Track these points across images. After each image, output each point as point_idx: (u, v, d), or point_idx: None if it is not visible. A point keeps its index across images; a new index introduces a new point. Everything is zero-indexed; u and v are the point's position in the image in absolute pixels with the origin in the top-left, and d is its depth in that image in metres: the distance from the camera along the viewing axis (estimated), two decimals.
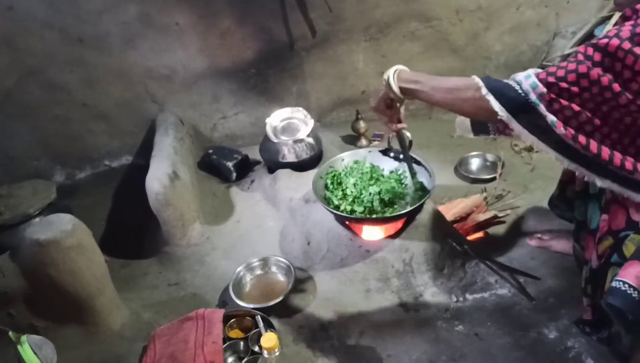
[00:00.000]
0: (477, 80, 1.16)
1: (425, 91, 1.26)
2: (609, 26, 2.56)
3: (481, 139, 2.57)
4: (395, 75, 1.30)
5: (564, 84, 1.05)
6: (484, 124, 1.53)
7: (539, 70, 1.11)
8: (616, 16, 2.56)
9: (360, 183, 1.82)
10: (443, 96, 1.23)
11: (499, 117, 1.11)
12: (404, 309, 1.65)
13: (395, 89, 1.30)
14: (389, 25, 2.58)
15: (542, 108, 1.07)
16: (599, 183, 1.13)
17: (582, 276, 1.36)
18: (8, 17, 2.13)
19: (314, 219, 1.89)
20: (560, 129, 1.07)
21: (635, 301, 1.04)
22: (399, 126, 1.48)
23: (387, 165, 1.96)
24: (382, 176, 1.88)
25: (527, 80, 1.10)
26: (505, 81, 1.14)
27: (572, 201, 1.53)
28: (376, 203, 1.75)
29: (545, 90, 1.07)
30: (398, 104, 1.41)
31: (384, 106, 1.40)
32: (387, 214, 1.73)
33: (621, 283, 1.06)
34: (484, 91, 1.13)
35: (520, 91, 1.10)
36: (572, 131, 1.07)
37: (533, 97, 1.08)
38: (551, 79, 1.06)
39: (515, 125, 1.12)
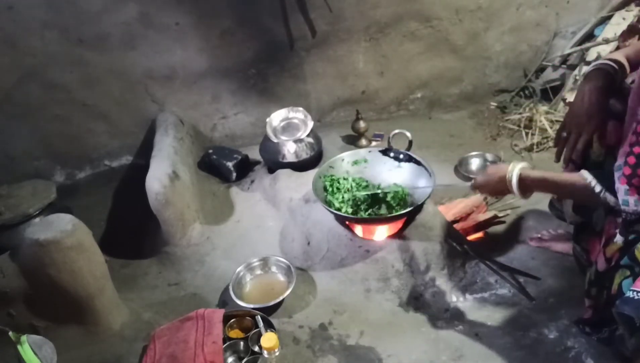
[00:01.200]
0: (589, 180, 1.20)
1: (541, 188, 1.32)
2: (609, 26, 2.56)
3: (481, 138, 2.57)
4: (516, 177, 1.31)
5: None
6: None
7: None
8: (616, 16, 2.57)
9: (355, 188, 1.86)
10: (560, 193, 1.33)
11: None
12: (404, 309, 1.65)
13: (516, 191, 1.32)
14: (389, 25, 2.58)
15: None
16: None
17: (585, 278, 1.36)
18: (8, 17, 2.13)
19: (314, 219, 1.89)
20: None
21: None
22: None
23: (387, 166, 1.96)
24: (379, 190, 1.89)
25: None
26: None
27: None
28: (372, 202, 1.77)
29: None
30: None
31: (494, 194, 1.43)
32: (387, 214, 1.74)
33: (636, 293, 1.07)
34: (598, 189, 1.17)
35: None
36: None
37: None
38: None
39: None
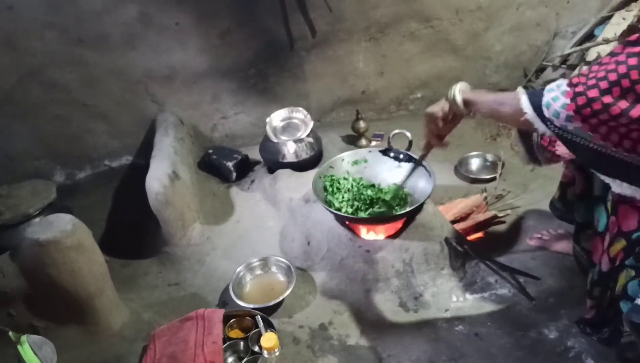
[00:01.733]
0: (519, 90, 1.20)
1: (480, 101, 1.32)
2: (609, 26, 2.56)
3: (481, 138, 2.57)
4: (459, 89, 1.35)
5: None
6: (535, 156, 1.56)
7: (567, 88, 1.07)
8: (616, 16, 2.57)
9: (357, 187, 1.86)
10: (492, 107, 1.30)
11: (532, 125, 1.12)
12: (404, 309, 1.65)
13: (459, 100, 1.34)
14: (389, 25, 2.58)
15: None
16: (615, 187, 1.14)
17: (587, 278, 1.36)
18: (8, 17, 2.13)
19: (314, 219, 1.89)
20: (585, 131, 1.05)
21: None
22: (442, 143, 1.50)
23: (387, 166, 1.96)
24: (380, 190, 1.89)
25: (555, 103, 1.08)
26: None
27: (572, 203, 1.53)
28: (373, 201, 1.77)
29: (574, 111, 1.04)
30: (456, 119, 1.44)
31: (443, 117, 1.42)
32: (387, 214, 1.73)
33: None
34: (520, 90, 1.17)
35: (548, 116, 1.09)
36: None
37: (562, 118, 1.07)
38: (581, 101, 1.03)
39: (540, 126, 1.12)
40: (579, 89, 1.02)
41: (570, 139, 1.09)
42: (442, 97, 1.41)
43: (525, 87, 1.18)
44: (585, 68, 1.06)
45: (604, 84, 0.98)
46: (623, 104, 0.96)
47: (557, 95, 1.07)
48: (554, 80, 2.74)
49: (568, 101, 1.04)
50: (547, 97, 1.09)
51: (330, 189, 1.87)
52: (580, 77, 1.04)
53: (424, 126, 1.48)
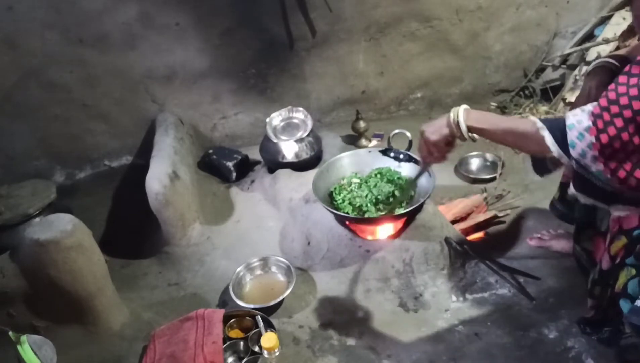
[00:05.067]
0: (534, 119, 1.15)
1: (491, 131, 1.25)
2: (609, 26, 2.56)
3: (481, 139, 2.57)
4: (464, 115, 1.27)
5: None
6: (543, 163, 1.56)
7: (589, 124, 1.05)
8: (616, 16, 2.57)
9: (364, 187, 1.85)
10: (505, 137, 1.24)
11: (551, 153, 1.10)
12: (404, 309, 1.65)
13: (464, 129, 1.27)
14: (389, 25, 2.57)
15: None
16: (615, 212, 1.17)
17: (588, 278, 1.36)
18: (8, 17, 2.13)
19: (314, 219, 1.89)
20: (606, 174, 1.05)
21: None
22: (444, 160, 1.43)
23: (387, 166, 1.96)
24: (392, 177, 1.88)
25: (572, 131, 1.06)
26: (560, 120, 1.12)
27: (572, 204, 1.53)
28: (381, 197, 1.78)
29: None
30: (457, 142, 1.36)
31: (444, 142, 1.34)
32: (387, 214, 1.73)
33: None
34: (540, 125, 1.12)
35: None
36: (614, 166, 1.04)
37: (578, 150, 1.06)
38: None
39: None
40: (600, 125, 1.02)
41: (587, 177, 1.10)
42: (440, 115, 1.33)
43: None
44: (604, 95, 1.04)
45: (619, 122, 0.99)
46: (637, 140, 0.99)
47: (581, 132, 1.05)
48: (554, 80, 2.76)
49: (593, 139, 1.03)
50: (570, 135, 1.06)
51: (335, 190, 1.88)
52: (602, 110, 1.03)
53: (420, 143, 1.40)
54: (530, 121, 1.15)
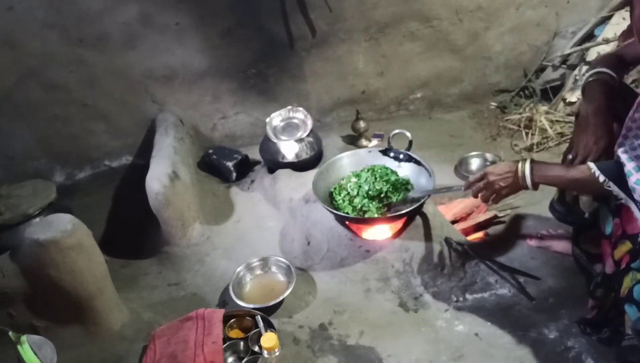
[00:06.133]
0: (591, 165, 1.25)
1: (554, 183, 1.39)
2: (609, 26, 2.56)
3: (481, 138, 2.57)
4: (529, 170, 1.34)
5: None
6: (572, 208, 1.65)
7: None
8: (616, 16, 2.57)
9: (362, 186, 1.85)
10: (568, 186, 1.41)
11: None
12: (404, 309, 1.65)
13: (530, 183, 1.36)
14: (389, 25, 2.57)
15: None
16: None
17: (589, 279, 1.36)
18: (8, 17, 2.13)
19: (314, 219, 1.89)
20: None
21: None
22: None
23: (382, 164, 1.96)
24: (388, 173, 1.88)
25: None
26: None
27: (571, 205, 1.53)
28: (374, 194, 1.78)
29: None
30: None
31: (507, 193, 1.43)
32: (387, 214, 1.74)
33: None
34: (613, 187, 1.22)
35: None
36: None
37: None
38: None
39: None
40: None
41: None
42: (503, 162, 1.44)
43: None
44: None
45: None
46: None
47: (629, 170, 1.16)
48: (554, 80, 2.76)
49: None
50: (630, 182, 1.16)
51: (335, 190, 1.87)
52: None
53: (478, 185, 1.47)
54: (587, 168, 1.25)
